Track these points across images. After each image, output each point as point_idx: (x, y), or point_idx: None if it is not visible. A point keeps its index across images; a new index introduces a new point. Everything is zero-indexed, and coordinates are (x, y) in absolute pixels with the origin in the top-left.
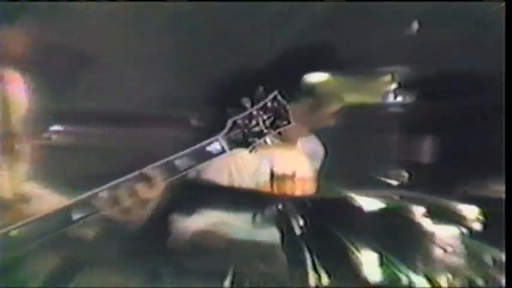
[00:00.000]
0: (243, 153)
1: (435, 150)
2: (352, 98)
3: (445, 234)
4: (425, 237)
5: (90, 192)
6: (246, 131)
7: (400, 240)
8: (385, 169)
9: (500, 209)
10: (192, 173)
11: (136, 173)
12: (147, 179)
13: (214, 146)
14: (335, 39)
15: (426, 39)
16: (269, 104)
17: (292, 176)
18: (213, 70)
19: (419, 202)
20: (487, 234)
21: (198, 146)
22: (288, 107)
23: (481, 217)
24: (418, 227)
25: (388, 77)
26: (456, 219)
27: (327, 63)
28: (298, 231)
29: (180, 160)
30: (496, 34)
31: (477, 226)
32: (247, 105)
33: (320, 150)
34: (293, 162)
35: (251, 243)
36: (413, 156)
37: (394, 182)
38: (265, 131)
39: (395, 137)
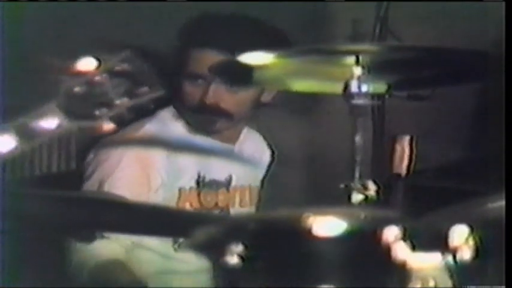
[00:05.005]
0: (154, 154)
1: (413, 157)
2: (300, 84)
3: (425, 263)
4: (399, 268)
5: None
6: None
7: (366, 273)
8: (347, 180)
9: (497, 230)
10: (93, 186)
11: None
12: None
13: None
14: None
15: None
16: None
17: (227, 184)
18: None
19: (391, 222)
20: (480, 263)
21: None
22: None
23: (471, 241)
24: (389, 254)
25: (351, 59)
26: (439, 243)
27: (270, 40)
28: (234, 261)
29: None
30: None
31: (467, 253)
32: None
33: (265, 153)
34: (229, 166)
35: (170, 277)
36: (384, 164)
37: (360, 197)
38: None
39: (359, 138)
